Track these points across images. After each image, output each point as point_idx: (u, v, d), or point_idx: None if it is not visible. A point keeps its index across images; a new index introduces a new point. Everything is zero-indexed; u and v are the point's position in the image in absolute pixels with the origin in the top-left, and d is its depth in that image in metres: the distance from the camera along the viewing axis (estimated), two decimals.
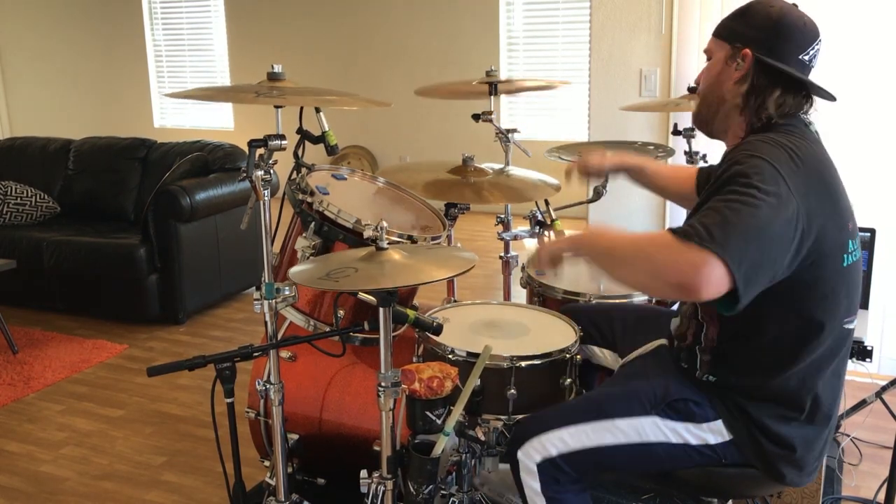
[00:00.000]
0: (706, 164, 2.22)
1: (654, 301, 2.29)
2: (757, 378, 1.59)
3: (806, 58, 1.59)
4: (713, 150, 2.82)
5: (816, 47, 1.60)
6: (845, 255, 1.55)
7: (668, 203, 3.44)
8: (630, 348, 1.96)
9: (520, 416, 1.89)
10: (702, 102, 1.72)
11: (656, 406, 1.64)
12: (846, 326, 1.60)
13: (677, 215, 3.38)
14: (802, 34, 1.58)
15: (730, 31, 1.65)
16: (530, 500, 1.70)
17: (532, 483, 1.68)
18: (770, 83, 1.59)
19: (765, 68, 1.58)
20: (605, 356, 2.07)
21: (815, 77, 1.62)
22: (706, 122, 1.73)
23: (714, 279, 1.36)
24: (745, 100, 1.61)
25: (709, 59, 1.70)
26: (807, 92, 1.61)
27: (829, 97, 1.61)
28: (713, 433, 1.63)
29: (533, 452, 1.68)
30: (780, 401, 1.60)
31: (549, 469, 1.67)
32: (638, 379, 1.74)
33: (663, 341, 1.85)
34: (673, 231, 1.43)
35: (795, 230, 1.43)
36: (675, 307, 2.29)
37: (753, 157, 1.47)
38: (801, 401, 1.60)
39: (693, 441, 1.63)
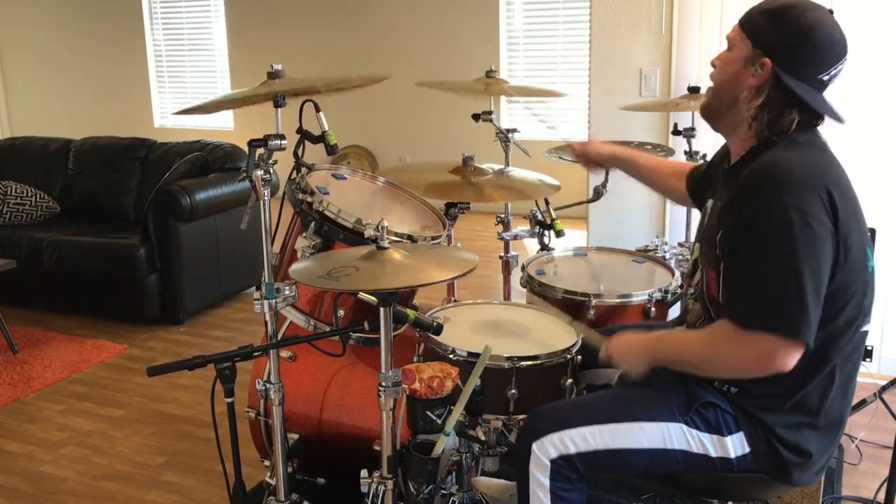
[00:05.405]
0: (698, 163, 2.21)
1: (653, 304, 2.29)
2: (780, 388, 1.56)
3: (826, 77, 1.54)
4: (713, 151, 2.80)
5: (840, 67, 1.54)
6: (868, 264, 1.58)
7: (669, 204, 3.43)
8: None
9: (520, 417, 1.89)
10: (713, 96, 1.67)
11: (684, 413, 1.63)
12: (863, 330, 1.59)
13: (677, 216, 3.38)
14: (829, 53, 1.52)
15: (756, 30, 1.56)
16: (532, 493, 1.65)
17: (541, 477, 1.64)
18: (785, 101, 1.55)
19: (781, 84, 1.53)
20: (608, 374, 2.01)
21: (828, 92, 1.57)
22: (714, 118, 1.69)
23: (791, 357, 1.47)
24: (757, 111, 1.57)
25: (729, 47, 1.63)
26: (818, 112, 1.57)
27: (839, 119, 1.56)
28: (734, 447, 1.61)
29: (549, 447, 1.64)
30: (797, 410, 1.58)
31: (563, 466, 1.64)
32: (664, 383, 1.69)
33: None
34: (730, 317, 1.50)
35: (829, 259, 1.47)
36: (676, 313, 2.29)
37: (781, 203, 1.45)
38: (817, 408, 1.59)
39: (713, 454, 1.62)
